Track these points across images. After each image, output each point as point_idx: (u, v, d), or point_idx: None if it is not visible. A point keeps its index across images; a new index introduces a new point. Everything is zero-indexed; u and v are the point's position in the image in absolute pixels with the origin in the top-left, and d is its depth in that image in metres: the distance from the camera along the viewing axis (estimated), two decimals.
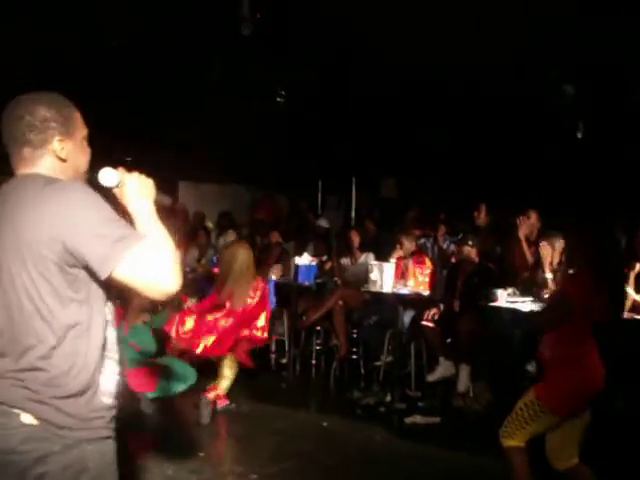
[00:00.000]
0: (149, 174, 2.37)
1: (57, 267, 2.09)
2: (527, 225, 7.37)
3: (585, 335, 4.23)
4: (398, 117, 9.32)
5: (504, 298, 6.54)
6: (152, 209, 2.27)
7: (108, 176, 2.31)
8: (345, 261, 8.90)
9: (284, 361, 8.94)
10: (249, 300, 6.63)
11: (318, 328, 8.70)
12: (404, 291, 7.30)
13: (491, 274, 7.32)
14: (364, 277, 7.72)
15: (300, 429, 6.51)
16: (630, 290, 6.31)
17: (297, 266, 8.48)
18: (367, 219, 9.77)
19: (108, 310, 2.29)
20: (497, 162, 9.22)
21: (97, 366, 2.21)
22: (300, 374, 8.61)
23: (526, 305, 6.43)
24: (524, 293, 6.74)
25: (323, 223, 10.95)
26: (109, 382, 2.26)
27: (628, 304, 6.27)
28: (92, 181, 2.32)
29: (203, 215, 12.35)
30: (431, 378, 7.50)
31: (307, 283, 8.57)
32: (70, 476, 2.14)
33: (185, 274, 10.09)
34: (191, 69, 7.52)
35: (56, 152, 2.26)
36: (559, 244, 6.43)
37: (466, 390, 7.14)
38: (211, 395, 6.55)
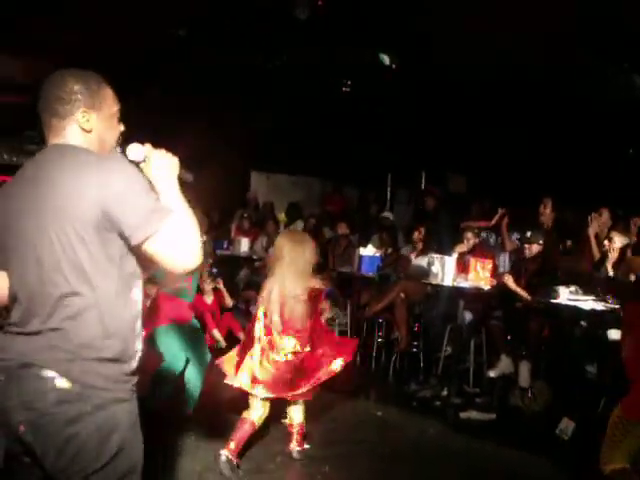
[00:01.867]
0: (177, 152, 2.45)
1: (95, 230, 2.18)
2: (598, 223, 7.27)
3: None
4: (469, 112, 9.24)
5: (566, 295, 6.45)
6: (175, 184, 2.37)
7: (135, 151, 2.41)
8: (409, 253, 8.89)
9: None
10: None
11: (380, 320, 8.73)
12: (464, 285, 7.25)
13: (554, 274, 7.22)
14: (427, 270, 7.70)
15: (355, 417, 6.56)
16: None
17: (361, 257, 8.53)
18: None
19: (139, 279, 2.38)
20: (565, 159, 9.06)
21: (131, 333, 2.32)
22: (360, 365, 8.65)
23: (588, 303, 6.33)
24: (587, 292, 6.63)
25: (388, 215, 10.97)
26: (138, 348, 2.37)
27: None
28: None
29: (272, 205, 12.52)
30: (492, 374, 7.43)
31: (370, 274, 8.61)
32: (102, 436, 2.21)
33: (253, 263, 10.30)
34: (260, 56, 7.58)
35: (80, 123, 2.35)
36: (619, 240, 6.33)
37: (528, 386, 7.05)
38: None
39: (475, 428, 6.44)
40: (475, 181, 11.23)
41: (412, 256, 8.79)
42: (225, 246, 11.16)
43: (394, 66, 6.90)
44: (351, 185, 13.84)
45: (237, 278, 10.95)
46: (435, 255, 7.64)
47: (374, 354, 8.70)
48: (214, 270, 8.90)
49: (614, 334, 6.23)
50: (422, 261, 8.28)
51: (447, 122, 9.88)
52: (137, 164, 2.39)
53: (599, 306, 6.28)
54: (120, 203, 2.16)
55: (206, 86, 9.02)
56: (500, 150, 9.89)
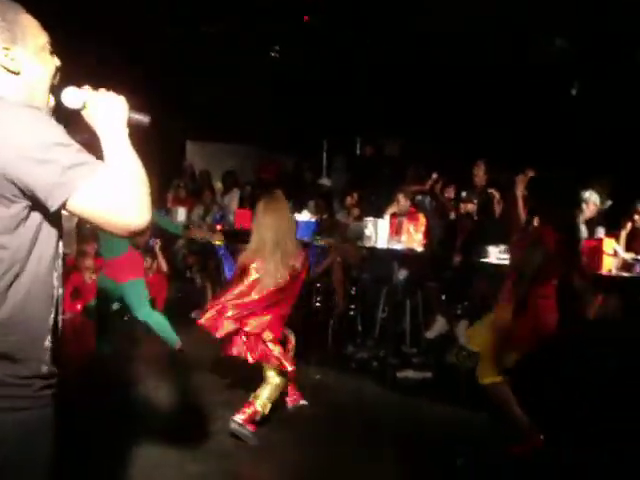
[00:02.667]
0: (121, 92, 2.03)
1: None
2: (524, 183, 7.40)
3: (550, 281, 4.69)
4: (401, 77, 9.30)
5: (495, 255, 6.60)
6: (123, 132, 1.96)
7: (71, 96, 2.00)
8: (343, 218, 8.97)
9: None
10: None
11: (318, 285, 8.81)
12: (398, 247, 7.36)
13: (489, 232, 7.36)
14: (361, 234, 7.79)
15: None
16: (619, 249, 6.35)
17: (297, 223, 8.55)
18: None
19: (59, 258, 1.96)
20: (497, 121, 9.21)
21: (38, 324, 1.90)
22: (300, 330, 8.74)
23: None
24: None
25: (325, 182, 11.03)
26: (47, 345, 1.92)
27: (618, 263, 6.33)
28: (58, 104, 2.02)
29: (209, 174, 12.44)
30: (430, 335, 7.58)
31: (306, 239, 8.66)
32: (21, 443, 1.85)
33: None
34: (189, 26, 7.52)
35: (3, 63, 1.89)
36: None
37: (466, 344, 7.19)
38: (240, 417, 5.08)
39: (412, 387, 6.59)
40: (410, 146, 11.31)
41: (348, 221, 8.87)
42: (162, 215, 11.07)
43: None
44: (287, 152, 13.83)
45: (174, 247, 10.90)
46: (368, 218, 7.73)
47: (313, 318, 8.79)
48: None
49: None
50: (357, 225, 8.37)
51: (381, 87, 9.92)
52: (77, 112, 2.01)
53: None
54: (25, 162, 1.72)
55: (138, 53, 8.89)
56: (435, 115, 9.99)
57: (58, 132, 1.78)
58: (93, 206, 1.76)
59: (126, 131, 1.96)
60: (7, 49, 1.88)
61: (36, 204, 1.78)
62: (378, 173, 10.19)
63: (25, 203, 1.78)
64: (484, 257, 6.64)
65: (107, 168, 1.80)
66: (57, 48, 2.04)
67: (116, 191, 1.76)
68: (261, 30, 7.41)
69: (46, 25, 2.00)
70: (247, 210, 10.03)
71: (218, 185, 12.16)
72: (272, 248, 4.99)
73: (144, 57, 9.03)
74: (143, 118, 2.11)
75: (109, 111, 1.97)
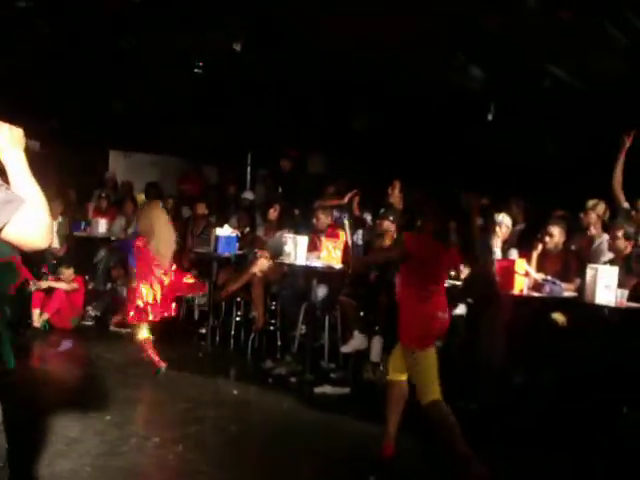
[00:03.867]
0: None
1: None
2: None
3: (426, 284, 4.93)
4: (325, 93, 9.41)
5: None
6: (23, 159, 2.28)
7: None
8: (263, 233, 9.02)
9: (204, 331, 9.08)
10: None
11: (238, 299, 8.83)
12: (317, 264, 7.43)
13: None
14: (281, 250, 7.83)
15: (210, 397, 6.63)
16: (531, 269, 6.57)
17: (217, 237, 8.57)
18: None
19: None
20: (414, 142, 9.42)
21: None
22: (219, 344, 8.77)
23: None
24: None
25: (248, 195, 11.05)
26: None
27: (529, 283, 6.54)
28: None
29: (131, 185, 12.34)
30: (345, 350, 7.65)
31: (227, 254, 8.69)
32: None
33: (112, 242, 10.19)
34: (111, 37, 7.47)
35: None
36: None
37: (379, 360, 7.31)
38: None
39: (329, 402, 6.66)
40: (334, 162, 11.45)
41: (268, 235, 8.92)
42: (82, 227, 10.95)
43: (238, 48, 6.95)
44: (211, 164, 13.80)
45: (95, 259, 10.80)
46: (288, 235, 7.79)
47: (233, 333, 8.81)
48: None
49: (459, 309, 6.59)
50: (276, 240, 8.43)
51: (307, 102, 10.01)
52: None
53: (452, 283, 6.60)
54: None
55: (58, 64, 8.78)
56: (358, 134, 10.15)
57: None
58: (17, 233, 2.14)
59: (24, 157, 2.28)
60: None
61: None
62: (299, 188, 10.26)
63: None
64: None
65: (24, 204, 2.14)
66: None
67: (31, 221, 2.15)
68: (183, 46, 7.41)
69: None
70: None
71: (141, 197, 12.07)
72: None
73: (67, 65, 8.91)
74: (35, 144, 2.32)
75: (9, 141, 2.27)
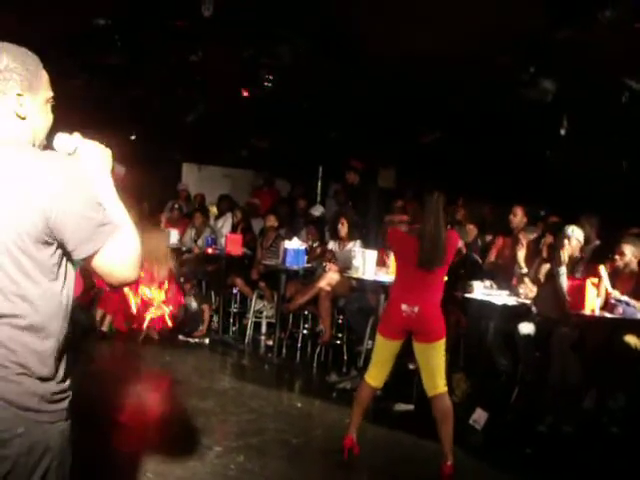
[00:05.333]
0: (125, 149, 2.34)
1: (34, 241, 1.95)
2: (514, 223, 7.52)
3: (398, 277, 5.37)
4: (397, 107, 9.37)
5: (480, 290, 6.63)
6: (109, 179, 2.17)
7: (63, 142, 2.17)
8: (333, 247, 8.99)
9: (271, 343, 9.12)
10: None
11: (306, 312, 8.83)
12: (385, 279, 7.37)
13: (477, 266, 7.41)
14: (349, 264, 7.81)
15: (274, 408, 6.64)
16: (607, 282, 6.33)
17: (286, 250, 8.59)
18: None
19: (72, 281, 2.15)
20: (483, 157, 9.30)
21: (65, 347, 2.11)
22: (286, 357, 8.77)
23: (500, 298, 6.51)
24: (501, 287, 6.82)
25: (317, 210, 11.06)
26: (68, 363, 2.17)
27: (601, 302, 6.34)
28: (48, 146, 2.18)
29: (203, 197, 12.53)
30: (412, 366, 7.56)
31: (295, 267, 8.69)
32: (35, 456, 2.03)
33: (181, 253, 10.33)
34: (183, 52, 7.59)
35: (14, 107, 2.07)
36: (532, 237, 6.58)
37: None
38: None
39: (393, 418, 6.57)
40: (404, 177, 11.39)
41: (337, 249, 8.90)
42: None
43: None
44: (283, 178, 13.90)
45: None
46: (357, 249, 7.76)
47: (299, 346, 8.81)
48: None
49: (524, 328, 6.44)
50: (346, 254, 8.40)
51: (379, 117, 9.98)
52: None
53: (511, 301, 6.47)
54: (66, 216, 1.94)
55: (135, 75, 8.97)
56: (423, 146, 10.08)
57: (92, 188, 2.04)
58: (107, 262, 2.02)
59: (110, 177, 2.17)
60: (20, 95, 2.06)
61: (62, 248, 2.01)
62: (369, 202, 10.22)
63: (53, 245, 2.00)
64: (468, 291, 6.67)
65: (120, 231, 2.03)
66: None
67: (124, 251, 2.03)
68: (256, 60, 7.48)
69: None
70: (238, 235, 10.09)
71: (213, 209, 12.23)
72: None
73: (143, 80, 9.10)
74: (121, 169, 2.41)
75: (97, 160, 2.17)
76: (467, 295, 6.63)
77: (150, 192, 12.43)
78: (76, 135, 2.20)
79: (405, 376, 7.48)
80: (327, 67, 8.20)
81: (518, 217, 7.45)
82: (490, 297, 6.54)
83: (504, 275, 7.09)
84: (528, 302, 6.49)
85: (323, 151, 11.99)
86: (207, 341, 9.19)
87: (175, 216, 11.69)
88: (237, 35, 7.04)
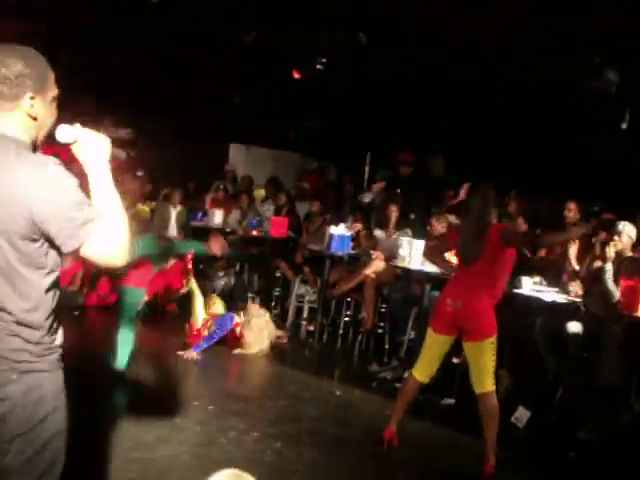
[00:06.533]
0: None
1: (21, 237, 2.16)
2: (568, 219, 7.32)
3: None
4: (447, 95, 9.19)
5: (529, 286, 6.47)
6: (106, 167, 2.31)
7: (64, 132, 2.32)
8: (380, 234, 8.88)
9: (312, 329, 9.06)
10: None
11: (349, 299, 8.74)
12: (431, 269, 7.23)
13: (527, 261, 7.23)
14: (395, 252, 7.69)
15: (312, 395, 6.57)
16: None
17: (331, 235, 8.49)
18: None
19: (59, 263, 2.36)
20: (536, 150, 9.08)
21: (52, 312, 2.34)
22: (326, 343, 8.70)
23: (549, 295, 6.34)
24: (551, 283, 6.65)
25: (365, 197, 10.91)
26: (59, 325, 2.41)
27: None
28: (50, 136, 2.35)
29: (250, 179, 12.47)
30: (455, 360, 7.45)
31: (340, 253, 8.59)
32: (30, 401, 2.27)
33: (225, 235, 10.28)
34: (233, 33, 7.51)
35: (26, 109, 2.25)
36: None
37: None
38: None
39: (433, 412, 6.45)
40: (454, 166, 11.19)
41: (383, 237, 8.79)
42: (199, 217, 11.13)
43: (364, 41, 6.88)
44: (330, 162, 13.79)
45: None
46: (404, 238, 7.63)
47: (341, 332, 8.72)
48: None
49: (573, 327, 6.27)
50: (392, 242, 8.29)
51: (430, 104, 9.81)
52: (67, 145, 2.33)
53: (560, 298, 6.30)
54: (52, 216, 2.14)
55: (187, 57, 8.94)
56: (478, 134, 9.88)
57: (78, 190, 2.19)
58: (94, 253, 2.21)
59: (108, 164, 2.32)
60: (33, 98, 2.25)
61: (50, 242, 2.22)
62: (417, 191, 10.05)
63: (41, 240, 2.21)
64: (517, 287, 6.50)
65: (103, 222, 2.20)
66: None
67: (109, 240, 2.20)
68: (307, 43, 7.37)
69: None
70: (283, 218, 10.01)
71: (260, 192, 12.17)
72: None
73: (193, 59, 9.07)
74: (121, 153, 2.47)
75: (96, 149, 2.32)
76: (515, 290, 6.46)
77: (196, 172, 12.46)
78: (77, 125, 2.34)
79: (447, 370, 7.40)
80: (378, 52, 8.06)
81: (572, 212, 7.25)
82: (539, 293, 6.37)
83: (554, 271, 6.90)
84: (578, 300, 6.30)
85: (372, 137, 11.84)
86: None
87: (220, 197, 11.66)
88: (289, 17, 6.92)
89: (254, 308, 8.14)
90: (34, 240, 2.18)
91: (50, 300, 2.31)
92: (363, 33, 6.98)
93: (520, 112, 8.62)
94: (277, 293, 10.07)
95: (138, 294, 6.70)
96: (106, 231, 2.19)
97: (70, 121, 2.35)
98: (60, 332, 2.42)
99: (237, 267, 10.30)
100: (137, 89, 9.82)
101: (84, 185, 2.25)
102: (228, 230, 10.52)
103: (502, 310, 6.67)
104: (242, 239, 10.28)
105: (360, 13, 7.08)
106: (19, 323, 2.25)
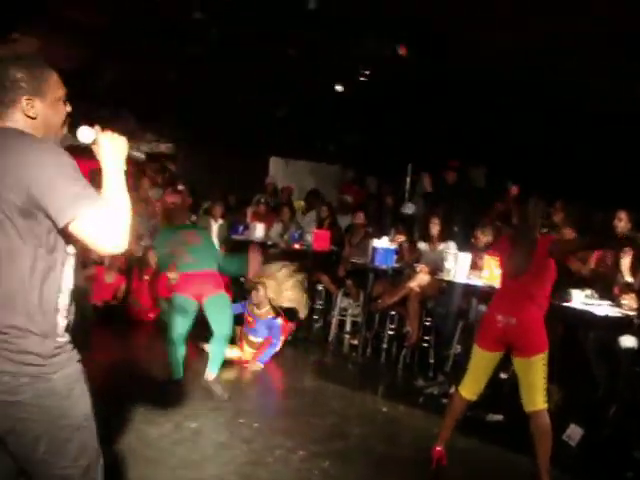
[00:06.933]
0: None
1: (19, 210, 2.27)
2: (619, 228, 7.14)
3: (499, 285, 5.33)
4: (491, 105, 9.08)
5: (580, 299, 6.30)
6: (121, 167, 2.48)
7: (84, 133, 2.53)
8: (424, 247, 8.75)
9: (356, 342, 8.96)
10: None
11: (393, 312, 8.63)
12: (477, 283, 7.09)
13: (570, 272, 7.06)
14: (440, 265, 7.56)
15: (358, 411, 6.48)
16: None
17: (375, 249, 8.38)
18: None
19: (70, 258, 2.48)
20: (582, 160, 8.91)
21: (55, 308, 2.43)
22: (370, 357, 8.59)
23: (602, 309, 6.17)
24: (603, 296, 6.47)
25: (408, 208, 10.81)
26: (61, 323, 2.46)
27: None
28: (72, 137, 2.55)
29: (291, 190, 12.43)
30: (503, 375, 7.30)
31: (384, 267, 8.48)
32: (46, 402, 2.38)
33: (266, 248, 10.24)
34: (275, 48, 7.48)
35: (24, 110, 2.43)
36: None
37: None
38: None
39: (481, 428, 6.31)
40: (495, 176, 11.03)
41: (427, 249, 8.66)
42: (240, 230, 11.10)
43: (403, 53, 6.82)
44: (371, 174, 13.70)
45: None
46: (450, 251, 7.50)
47: (385, 346, 8.61)
48: None
49: (627, 341, 6.10)
50: (436, 255, 8.16)
51: (471, 114, 9.71)
52: (88, 146, 2.54)
53: (613, 312, 6.12)
54: (45, 187, 2.24)
55: (225, 70, 8.94)
56: (521, 145, 9.73)
57: (76, 169, 2.32)
58: (86, 231, 2.28)
59: (123, 166, 2.50)
60: (30, 100, 2.43)
61: (50, 220, 2.30)
62: (461, 202, 9.91)
63: (40, 215, 2.29)
64: (567, 301, 6.33)
65: (101, 203, 2.30)
66: None
67: (104, 221, 2.28)
68: (350, 54, 7.31)
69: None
70: (326, 231, 9.93)
71: (300, 203, 12.12)
72: None
73: (229, 75, 9.08)
74: (139, 155, 2.81)
75: (113, 149, 2.50)
76: (566, 304, 6.29)
77: (237, 185, 12.45)
78: (96, 127, 2.55)
79: (495, 384, 7.25)
80: (420, 63, 7.98)
81: (623, 222, 7.05)
82: (590, 307, 6.20)
83: (605, 284, 6.71)
84: (632, 314, 6.12)
85: (413, 148, 11.74)
86: None
87: (261, 210, 11.62)
88: (335, 31, 6.88)
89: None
90: (32, 214, 2.27)
91: (51, 289, 2.39)
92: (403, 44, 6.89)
93: (567, 121, 8.47)
94: (319, 307, 9.99)
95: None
96: (104, 214, 2.28)
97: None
98: (61, 329, 2.46)
99: None
100: (178, 104, 9.84)
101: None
102: (269, 243, 10.47)
103: (552, 324, 6.56)
104: (284, 252, 10.21)
105: (402, 25, 7.00)
106: (24, 325, 2.33)
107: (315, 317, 9.88)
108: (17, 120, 2.43)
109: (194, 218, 11.29)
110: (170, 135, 12.97)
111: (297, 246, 9.95)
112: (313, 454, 5.23)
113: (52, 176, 2.26)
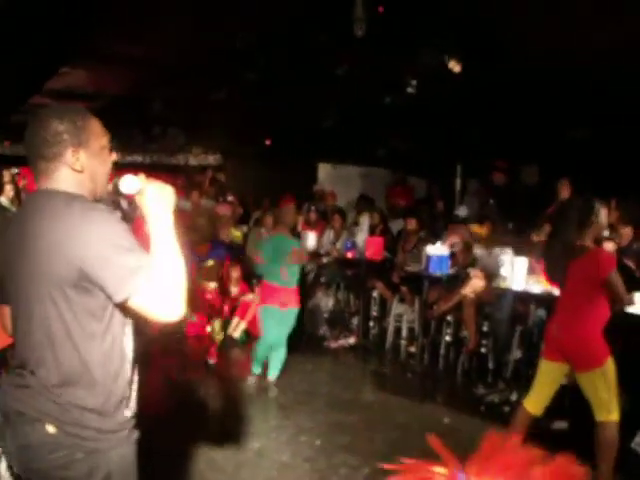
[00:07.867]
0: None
1: (72, 287, 2.18)
2: None
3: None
4: (541, 103, 8.94)
5: None
6: (169, 219, 2.30)
7: (129, 183, 2.34)
8: (479, 252, 8.65)
9: (413, 350, 8.92)
10: None
11: (449, 319, 8.56)
12: (536, 289, 6.97)
13: (630, 274, 6.91)
14: (496, 272, 7.46)
15: (420, 424, 6.41)
16: None
17: (429, 257, 8.30)
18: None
19: (128, 325, 2.38)
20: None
21: (114, 384, 2.33)
22: (428, 364, 8.52)
23: None
24: None
25: (461, 212, 10.67)
26: (126, 395, 2.38)
27: None
28: (115, 188, 2.37)
29: (334, 195, 12.38)
30: (565, 382, 7.18)
31: (438, 273, 8.40)
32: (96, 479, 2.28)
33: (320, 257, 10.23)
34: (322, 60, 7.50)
35: (70, 164, 2.30)
36: None
37: None
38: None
39: (545, 437, 6.18)
40: (548, 171, 10.84)
41: (483, 253, 8.55)
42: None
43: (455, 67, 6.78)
44: (419, 177, 13.60)
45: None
46: (505, 257, 7.39)
47: (442, 353, 8.55)
48: None
49: None
50: (492, 258, 8.05)
51: (519, 112, 9.57)
52: (131, 197, 2.37)
53: None
54: (99, 264, 2.14)
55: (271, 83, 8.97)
56: (573, 143, 9.57)
57: (127, 236, 2.18)
58: (143, 306, 2.17)
59: (171, 217, 2.31)
60: (75, 152, 2.29)
61: (106, 295, 2.20)
62: (513, 201, 9.78)
63: (95, 290, 2.19)
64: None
65: (156, 274, 2.16)
66: None
67: (160, 297, 2.15)
68: (396, 65, 7.28)
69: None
70: (378, 238, 9.86)
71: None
72: None
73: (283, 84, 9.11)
74: (186, 204, 2.57)
75: (160, 199, 2.31)
76: (627, 310, 6.15)
77: (286, 194, 12.46)
78: (141, 176, 2.36)
79: (557, 391, 7.14)
80: (469, 64, 7.89)
81: None
82: None
83: None
84: None
85: (462, 148, 11.61)
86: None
87: (312, 218, 11.60)
88: (382, 44, 6.86)
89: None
90: (86, 290, 2.18)
91: (104, 360, 2.29)
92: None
93: (622, 117, 8.31)
94: (375, 313, 9.96)
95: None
96: (160, 287, 2.16)
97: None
98: (127, 402, 2.38)
99: (334, 287, 10.32)
100: (226, 115, 9.89)
101: (144, 240, 2.25)
102: (322, 252, 10.46)
103: (614, 330, 6.43)
104: (337, 260, 10.20)
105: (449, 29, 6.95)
106: (86, 403, 2.26)
107: (371, 324, 9.85)
108: (63, 178, 2.30)
109: (245, 229, 11.37)
110: (218, 146, 13.06)
111: (350, 255, 9.90)
112: (378, 471, 5.16)
113: (105, 251, 2.13)
